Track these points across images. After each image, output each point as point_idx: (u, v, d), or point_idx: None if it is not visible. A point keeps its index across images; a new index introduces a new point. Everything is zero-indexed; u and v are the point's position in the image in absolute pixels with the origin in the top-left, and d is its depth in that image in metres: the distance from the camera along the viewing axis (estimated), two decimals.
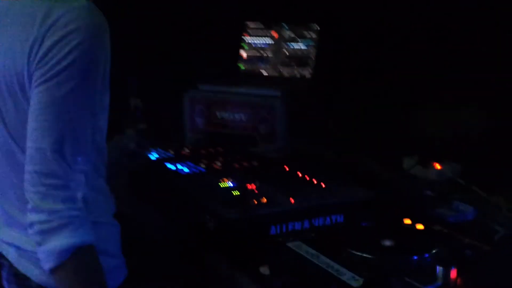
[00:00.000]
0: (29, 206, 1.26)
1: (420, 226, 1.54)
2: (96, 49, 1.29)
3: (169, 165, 2.09)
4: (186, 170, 2.05)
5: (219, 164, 2.11)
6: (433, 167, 2.00)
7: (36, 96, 1.27)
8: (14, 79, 1.31)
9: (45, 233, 1.24)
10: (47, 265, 1.25)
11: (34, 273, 1.42)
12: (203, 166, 2.09)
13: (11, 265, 1.47)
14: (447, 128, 2.05)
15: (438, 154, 2.00)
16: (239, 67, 2.62)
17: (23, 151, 1.31)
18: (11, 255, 1.47)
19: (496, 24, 2.05)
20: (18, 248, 1.45)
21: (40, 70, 1.26)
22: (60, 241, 1.23)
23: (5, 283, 1.52)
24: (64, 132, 1.26)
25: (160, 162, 2.14)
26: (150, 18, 2.63)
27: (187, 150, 2.28)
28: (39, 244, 1.25)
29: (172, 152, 2.25)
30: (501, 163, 1.89)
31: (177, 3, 2.64)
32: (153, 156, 2.21)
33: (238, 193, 1.80)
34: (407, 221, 1.57)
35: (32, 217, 1.25)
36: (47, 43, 1.25)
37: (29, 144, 1.28)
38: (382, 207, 1.72)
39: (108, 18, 1.34)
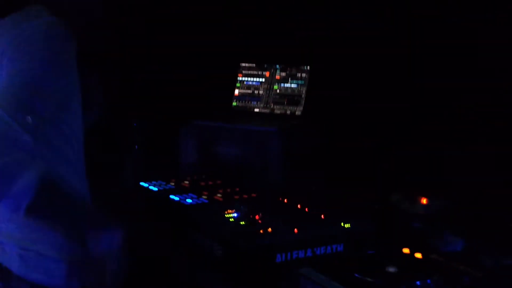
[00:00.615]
0: None
1: (418, 255, 1.68)
2: None
3: (172, 196, 2.20)
4: (189, 201, 2.16)
5: (219, 195, 2.23)
6: (420, 201, 2.16)
7: None
8: None
9: None
10: None
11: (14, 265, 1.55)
12: (205, 197, 2.20)
13: None
14: (432, 164, 2.22)
15: (424, 189, 2.17)
16: (231, 105, 2.77)
17: None
18: None
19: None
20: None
21: None
22: None
23: None
24: None
25: (162, 193, 2.25)
26: (148, 55, 2.77)
27: (187, 182, 2.39)
28: None
29: (173, 184, 2.36)
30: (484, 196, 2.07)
31: (174, 42, 2.78)
32: (155, 188, 2.31)
33: (244, 223, 1.92)
34: (406, 250, 1.71)
35: None
36: None
37: None
38: (378, 237, 1.87)
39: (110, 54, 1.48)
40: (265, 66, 2.73)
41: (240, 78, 2.77)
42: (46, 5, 1.71)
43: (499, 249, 1.73)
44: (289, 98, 2.66)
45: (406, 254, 1.70)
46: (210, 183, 2.39)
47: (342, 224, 1.92)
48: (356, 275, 1.56)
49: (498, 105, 2.20)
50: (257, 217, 1.97)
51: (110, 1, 1.87)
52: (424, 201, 2.14)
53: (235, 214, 2.00)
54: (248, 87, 2.76)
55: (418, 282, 1.52)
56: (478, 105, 2.23)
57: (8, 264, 1.67)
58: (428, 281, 1.51)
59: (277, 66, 2.71)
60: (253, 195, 2.25)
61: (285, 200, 2.17)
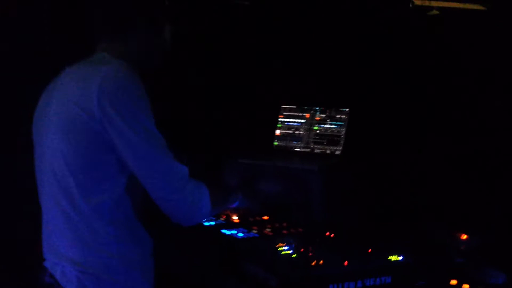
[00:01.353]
0: None
1: (466, 286, 1.79)
2: None
3: (224, 231, 2.33)
4: (241, 235, 2.29)
5: (269, 230, 2.35)
6: (460, 237, 2.27)
7: None
8: None
9: None
10: None
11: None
12: (255, 231, 2.33)
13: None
14: (472, 201, 2.34)
15: (465, 224, 2.29)
16: (273, 144, 2.91)
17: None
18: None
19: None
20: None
21: None
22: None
23: None
24: None
25: (214, 228, 2.38)
26: (197, 96, 2.93)
27: (236, 218, 2.52)
28: None
29: (223, 219, 2.49)
30: None
31: (220, 86, 2.95)
32: (206, 223, 2.44)
33: (296, 256, 2.04)
34: (454, 281, 1.82)
35: None
36: None
37: None
38: (424, 270, 1.99)
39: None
40: (305, 108, 2.88)
41: (281, 119, 2.92)
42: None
43: None
44: (329, 138, 2.79)
45: (453, 285, 1.81)
46: (258, 218, 2.52)
47: (389, 257, 2.04)
48: None
49: None
50: (308, 249, 2.09)
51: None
52: (464, 236, 2.25)
53: (286, 247, 2.12)
54: (289, 127, 2.90)
55: None
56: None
57: (66, 285, 1.81)
58: None
59: (317, 108, 2.85)
60: (300, 230, 2.37)
61: (332, 235, 2.29)
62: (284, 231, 2.35)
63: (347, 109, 2.78)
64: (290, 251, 2.09)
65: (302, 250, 2.08)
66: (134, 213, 1.87)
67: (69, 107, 1.76)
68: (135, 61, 1.86)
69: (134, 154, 1.76)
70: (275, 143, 2.92)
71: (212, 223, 2.43)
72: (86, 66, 1.85)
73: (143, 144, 1.75)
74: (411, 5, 3.34)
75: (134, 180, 1.82)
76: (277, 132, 2.92)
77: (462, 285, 1.79)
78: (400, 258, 2.05)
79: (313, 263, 1.97)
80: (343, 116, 2.79)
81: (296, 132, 2.88)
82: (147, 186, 1.80)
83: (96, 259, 1.81)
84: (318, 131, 2.83)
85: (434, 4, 3.48)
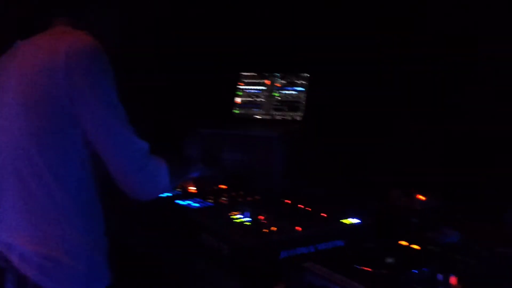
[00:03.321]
0: None
1: (416, 246, 1.77)
2: None
3: (179, 201, 2.30)
4: (196, 205, 2.25)
5: (224, 199, 2.32)
6: (417, 198, 2.25)
7: None
8: None
9: None
10: None
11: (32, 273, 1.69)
12: (210, 201, 2.30)
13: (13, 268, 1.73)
14: (428, 162, 2.32)
15: (421, 186, 2.26)
16: (234, 112, 2.86)
17: None
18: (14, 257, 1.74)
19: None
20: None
21: None
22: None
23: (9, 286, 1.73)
24: None
25: (170, 198, 2.34)
26: (157, 64, 2.87)
27: (193, 188, 2.48)
28: None
29: (179, 189, 2.45)
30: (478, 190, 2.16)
31: (178, 56, 2.89)
32: (163, 194, 2.40)
33: (250, 224, 2.01)
34: (404, 242, 1.80)
35: None
36: None
37: None
38: (377, 233, 1.97)
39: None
40: (265, 74, 2.83)
41: (241, 87, 2.87)
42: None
43: (492, 240, 1.82)
44: (289, 104, 2.75)
45: (404, 246, 1.79)
46: (215, 188, 2.48)
47: (342, 221, 2.01)
48: (357, 266, 1.65)
49: None
50: (261, 217, 2.06)
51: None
52: (421, 197, 2.23)
53: (240, 216, 2.09)
54: (249, 95, 2.85)
55: (415, 271, 1.60)
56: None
57: (26, 271, 1.76)
58: (424, 269, 1.60)
59: (277, 74, 2.80)
60: (257, 197, 2.34)
61: (288, 202, 2.26)
62: (240, 200, 2.31)
63: (307, 75, 2.74)
64: (244, 219, 2.06)
65: (256, 218, 2.05)
66: (97, 193, 1.85)
67: (32, 80, 1.72)
68: (94, 36, 1.82)
69: (99, 126, 1.73)
70: (236, 111, 2.87)
71: (169, 194, 2.39)
72: (46, 38, 1.80)
73: (109, 116, 1.73)
74: None
75: (97, 159, 1.79)
76: (237, 99, 2.87)
77: (411, 246, 1.77)
78: (354, 221, 2.02)
79: (266, 230, 1.94)
80: (303, 82, 2.75)
81: (257, 99, 2.84)
82: (109, 161, 1.77)
83: (59, 238, 1.76)
84: (278, 98, 2.79)
85: None
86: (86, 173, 1.80)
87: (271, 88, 2.82)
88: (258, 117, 2.81)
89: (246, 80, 2.88)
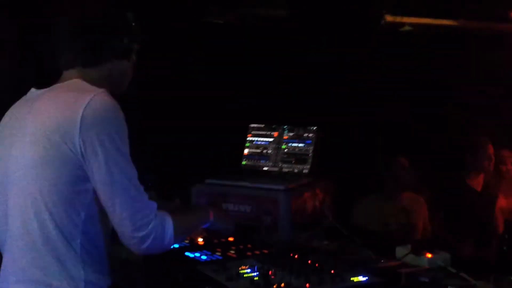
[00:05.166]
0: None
1: None
2: None
3: (188, 253, 2.30)
4: (204, 257, 2.26)
5: (232, 252, 2.32)
6: (425, 256, 2.26)
7: None
8: None
9: None
10: None
11: None
12: (218, 254, 2.30)
13: None
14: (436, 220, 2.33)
15: (429, 244, 2.27)
16: (242, 164, 2.89)
17: None
18: None
19: None
20: None
21: None
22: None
23: None
24: None
25: (178, 250, 2.35)
26: (164, 120, 2.92)
27: (200, 240, 2.49)
28: None
29: (187, 241, 2.46)
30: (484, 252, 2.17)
31: (187, 108, 2.94)
32: None
33: (258, 279, 2.02)
34: None
35: None
36: None
37: None
38: None
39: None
40: (273, 126, 2.87)
41: (249, 138, 2.90)
42: None
43: None
44: (297, 157, 2.78)
45: None
46: (223, 240, 2.49)
47: (352, 278, 2.02)
48: None
49: None
50: (270, 272, 2.06)
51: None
52: (429, 255, 2.23)
53: (248, 270, 2.10)
54: (257, 146, 2.88)
55: None
56: None
57: None
58: None
59: (285, 126, 2.84)
60: (265, 251, 2.34)
61: (296, 256, 2.26)
62: (248, 253, 2.32)
63: (315, 128, 2.77)
64: (253, 274, 2.07)
65: (264, 272, 2.05)
66: (104, 247, 1.87)
67: (47, 136, 1.76)
68: (107, 86, 1.86)
69: (110, 188, 1.76)
70: (243, 162, 2.90)
71: (176, 245, 2.39)
72: (63, 93, 1.84)
73: (117, 173, 1.76)
74: (383, 22, 3.35)
75: (105, 212, 1.81)
76: (246, 151, 2.90)
77: None
78: (364, 279, 2.03)
79: (274, 286, 1.94)
80: (311, 135, 2.78)
81: (264, 151, 2.87)
82: (114, 219, 1.80)
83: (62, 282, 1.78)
84: (286, 150, 2.82)
85: (406, 20, 3.49)
86: (95, 228, 1.83)
87: (279, 140, 2.85)
88: (265, 169, 2.84)
89: (254, 132, 2.91)
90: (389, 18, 3.56)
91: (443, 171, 3.02)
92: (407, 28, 3.56)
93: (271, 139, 2.87)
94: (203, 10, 3.03)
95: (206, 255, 2.28)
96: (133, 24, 1.96)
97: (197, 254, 2.29)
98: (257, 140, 2.90)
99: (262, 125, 2.90)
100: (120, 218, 1.78)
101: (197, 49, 3.08)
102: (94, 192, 1.79)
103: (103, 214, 1.82)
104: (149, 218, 1.80)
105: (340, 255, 2.33)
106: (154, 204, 1.84)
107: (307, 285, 1.96)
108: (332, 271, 2.08)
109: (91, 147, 1.72)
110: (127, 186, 1.78)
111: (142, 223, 1.79)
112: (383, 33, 3.23)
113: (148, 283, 2.32)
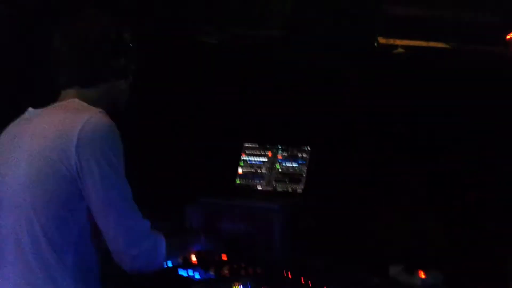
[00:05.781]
0: None
1: None
2: None
3: (181, 272, 2.30)
4: (197, 276, 2.26)
5: (226, 271, 2.33)
6: (418, 274, 2.26)
7: None
8: None
9: None
10: None
11: None
12: (212, 272, 2.30)
13: None
14: (430, 239, 2.34)
15: (422, 263, 2.28)
16: (236, 183, 2.90)
17: None
18: None
19: None
20: None
21: None
22: None
23: None
24: None
25: (171, 269, 2.35)
26: (156, 138, 2.93)
27: (194, 259, 2.49)
28: None
29: (181, 260, 2.46)
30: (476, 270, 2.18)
31: (181, 127, 2.95)
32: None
33: None
34: None
35: None
36: None
37: None
38: None
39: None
40: (268, 146, 2.88)
41: (243, 158, 2.92)
42: None
43: None
44: (291, 176, 2.79)
45: None
46: (217, 258, 2.49)
47: None
48: None
49: None
50: None
51: None
52: (422, 274, 2.24)
53: None
54: (251, 165, 2.90)
55: None
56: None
57: None
58: None
59: (279, 146, 2.86)
60: (258, 270, 2.35)
61: (289, 275, 2.27)
62: (242, 272, 2.32)
63: (308, 148, 2.79)
64: None
65: None
66: (97, 265, 1.88)
67: (43, 155, 1.76)
68: (105, 106, 1.89)
69: (104, 207, 1.78)
70: (238, 181, 2.91)
71: (169, 263, 2.39)
72: (61, 113, 1.85)
73: (117, 198, 1.78)
74: (376, 44, 3.39)
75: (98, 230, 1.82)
76: (240, 170, 2.91)
77: None
78: None
79: None
80: (304, 155, 2.80)
81: (259, 170, 2.88)
82: (107, 237, 1.81)
83: None
84: (280, 170, 2.83)
85: (398, 42, 3.53)
86: (87, 246, 1.84)
87: (273, 160, 2.86)
88: (259, 188, 2.85)
89: (248, 151, 2.93)
90: (381, 40, 3.60)
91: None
92: (400, 50, 3.60)
93: (265, 159, 2.88)
94: (198, 30, 3.06)
95: (199, 273, 2.28)
96: (131, 44, 1.98)
97: (191, 273, 2.29)
98: (251, 160, 2.91)
99: (256, 145, 2.91)
100: (114, 236, 1.79)
101: (192, 69, 3.10)
102: (88, 211, 1.80)
103: (96, 231, 1.83)
104: (143, 237, 1.82)
105: (334, 273, 2.34)
106: (147, 223, 1.85)
107: None
108: None
109: (87, 166, 1.74)
110: (122, 205, 1.79)
111: (135, 242, 1.80)
112: (376, 55, 3.25)
113: None
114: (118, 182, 1.78)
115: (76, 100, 1.88)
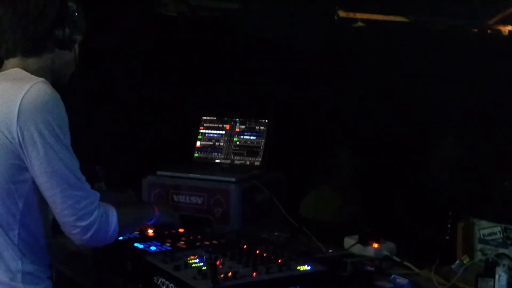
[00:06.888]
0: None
1: None
2: None
3: (137, 244, 2.30)
4: (153, 248, 2.26)
5: (182, 243, 2.33)
6: (371, 246, 2.30)
7: None
8: None
9: None
10: None
11: None
12: (168, 245, 2.30)
13: None
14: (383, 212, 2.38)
15: (376, 235, 2.32)
16: (194, 156, 2.89)
17: None
18: None
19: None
20: None
21: None
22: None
23: None
24: None
25: (127, 241, 2.34)
26: (116, 112, 2.90)
27: (150, 231, 2.49)
28: None
29: (137, 232, 2.45)
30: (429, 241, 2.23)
31: (139, 99, 2.93)
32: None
33: (206, 269, 2.03)
34: None
35: None
36: None
37: None
38: (332, 280, 2.01)
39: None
40: (225, 119, 2.88)
41: (201, 131, 2.91)
42: None
43: None
44: (249, 149, 2.80)
45: None
46: (173, 231, 2.49)
47: (298, 267, 2.04)
48: None
49: None
50: (218, 262, 2.08)
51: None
52: (375, 245, 2.28)
53: (197, 260, 2.11)
54: (210, 139, 2.89)
55: None
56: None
57: None
58: None
59: (237, 119, 2.86)
60: (215, 242, 2.36)
61: (245, 247, 2.28)
62: (197, 244, 2.33)
63: (266, 120, 2.79)
64: (201, 264, 2.08)
65: (212, 262, 2.06)
66: (44, 238, 1.86)
67: None
68: (49, 76, 1.85)
69: (49, 178, 1.74)
70: (196, 155, 2.91)
71: (126, 237, 2.39)
72: (3, 81, 1.81)
73: (62, 169, 1.75)
74: (336, 18, 3.39)
75: (45, 202, 1.80)
76: (198, 143, 2.91)
77: None
78: (309, 268, 2.06)
79: (222, 275, 1.96)
80: (262, 127, 2.80)
81: (217, 143, 2.88)
82: (55, 210, 1.79)
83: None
84: (238, 143, 2.84)
85: (359, 16, 3.54)
86: (33, 219, 1.82)
87: (231, 133, 2.87)
88: (217, 161, 2.85)
89: (206, 124, 2.92)
90: (342, 13, 3.60)
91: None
92: (359, 24, 3.61)
93: (223, 132, 2.88)
94: (156, 2, 3.02)
95: (155, 246, 2.28)
96: (76, 14, 1.93)
97: (147, 245, 2.28)
98: (209, 133, 2.91)
99: (214, 118, 2.91)
100: (62, 208, 1.76)
101: (149, 41, 3.07)
102: (33, 182, 1.77)
103: (42, 204, 1.81)
104: (91, 207, 1.80)
105: (289, 245, 2.36)
106: (96, 194, 1.83)
107: (254, 274, 1.98)
108: (279, 261, 2.11)
109: (29, 136, 1.70)
110: (68, 175, 1.76)
111: (84, 212, 1.78)
112: (336, 28, 3.26)
113: (100, 275, 2.31)
114: (62, 152, 1.74)
115: (19, 69, 1.84)
